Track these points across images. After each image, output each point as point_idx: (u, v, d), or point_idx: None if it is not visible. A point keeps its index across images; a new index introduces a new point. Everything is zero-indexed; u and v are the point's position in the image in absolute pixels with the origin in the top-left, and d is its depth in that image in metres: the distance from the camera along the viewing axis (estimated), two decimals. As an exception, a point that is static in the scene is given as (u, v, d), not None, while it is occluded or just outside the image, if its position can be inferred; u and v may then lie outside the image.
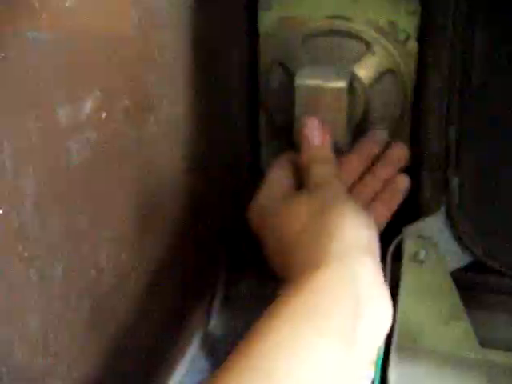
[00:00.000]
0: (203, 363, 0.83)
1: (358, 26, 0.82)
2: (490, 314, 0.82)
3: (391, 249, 0.77)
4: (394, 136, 0.85)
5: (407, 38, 0.81)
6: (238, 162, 0.90)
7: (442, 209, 0.77)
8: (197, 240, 0.79)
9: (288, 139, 0.87)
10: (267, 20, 0.85)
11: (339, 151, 0.81)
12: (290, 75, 0.85)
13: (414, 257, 0.75)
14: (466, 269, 0.80)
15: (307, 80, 0.76)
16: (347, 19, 0.82)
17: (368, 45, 0.82)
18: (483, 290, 0.82)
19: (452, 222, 0.75)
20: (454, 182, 0.74)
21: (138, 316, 0.63)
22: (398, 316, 0.75)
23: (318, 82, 0.76)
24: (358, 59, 0.82)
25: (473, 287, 0.81)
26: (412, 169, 0.86)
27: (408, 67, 0.82)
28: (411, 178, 0.82)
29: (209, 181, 0.81)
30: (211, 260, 0.87)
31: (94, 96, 0.50)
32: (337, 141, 0.77)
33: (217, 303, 0.89)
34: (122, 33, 0.55)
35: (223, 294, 0.90)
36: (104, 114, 0.52)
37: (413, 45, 0.81)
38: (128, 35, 0.56)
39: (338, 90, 0.75)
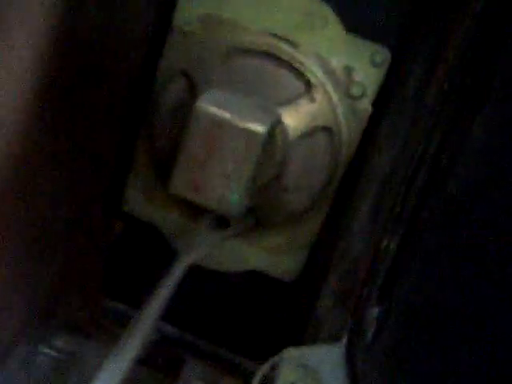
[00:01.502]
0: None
1: (303, 58, 0.59)
2: None
3: (261, 372, 0.54)
4: (308, 211, 0.63)
5: (361, 95, 0.59)
6: (91, 189, 0.65)
7: (344, 341, 0.54)
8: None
9: (167, 174, 0.63)
10: (188, 12, 0.61)
11: (224, 220, 0.59)
12: (193, 93, 0.61)
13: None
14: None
15: (213, 107, 0.53)
16: (293, 44, 0.59)
17: (309, 87, 0.59)
18: None
19: (351, 363, 0.53)
20: (373, 312, 0.52)
21: None
22: None
23: (227, 116, 0.52)
24: (290, 101, 0.59)
25: None
26: (315, 270, 0.65)
27: (351, 132, 0.61)
28: (312, 281, 0.60)
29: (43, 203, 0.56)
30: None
31: None
32: (226, 207, 0.54)
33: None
34: None
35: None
36: None
37: (366, 106, 0.60)
38: None
39: (253, 134, 0.52)
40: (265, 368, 0.54)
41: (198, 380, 0.68)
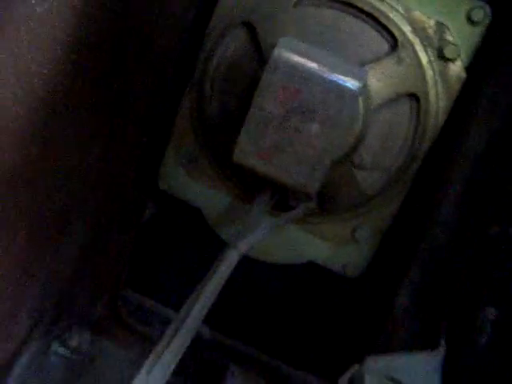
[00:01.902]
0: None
1: (388, 11, 0.50)
2: None
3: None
4: (383, 194, 0.54)
5: (455, 58, 0.50)
6: (121, 164, 0.54)
7: (441, 349, 0.45)
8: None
9: (218, 143, 0.53)
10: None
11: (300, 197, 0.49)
12: (257, 47, 0.51)
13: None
14: None
15: (296, 56, 0.43)
16: (377, -6, 0.50)
17: (395, 45, 0.50)
18: None
19: (455, 375, 0.43)
20: (487, 313, 0.42)
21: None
22: None
23: (314, 66, 0.42)
24: (373, 61, 0.50)
25: None
26: (388, 263, 0.55)
27: (440, 101, 0.51)
28: (384, 276, 0.51)
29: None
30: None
31: None
32: (304, 182, 0.44)
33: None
34: None
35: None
36: None
37: (459, 71, 0.51)
38: None
39: (347, 90, 0.42)
40: (346, 376, 0.44)
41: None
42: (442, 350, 0.44)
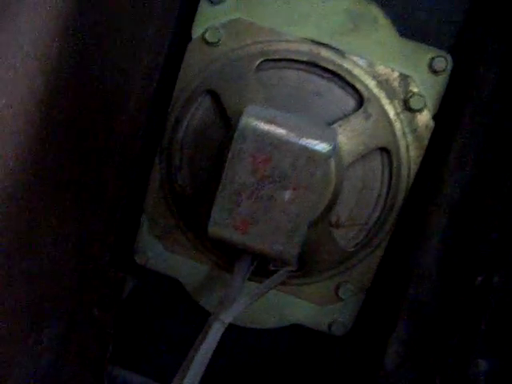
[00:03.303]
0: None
1: (351, 67, 0.50)
2: None
3: None
4: (363, 250, 0.53)
5: (421, 108, 0.50)
6: (97, 243, 0.53)
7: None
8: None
9: (191, 214, 0.52)
10: (211, 19, 0.52)
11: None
12: (222, 114, 0.51)
13: None
14: None
15: (263, 123, 0.42)
16: (338, 52, 0.50)
17: (361, 101, 0.50)
18: None
19: None
20: (479, 366, 0.41)
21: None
22: None
23: (283, 132, 0.42)
24: (341, 119, 0.50)
25: None
26: (375, 319, 0.54)
27: (411, 152, 0.51)
28: (372, 333, 0.50)
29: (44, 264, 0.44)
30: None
31: None
32: (283, 251, 0.44)
33: None
34: None
35: None
36: None
37: (427, 120, 0.51)
38: None
39: (319, 154, 0.42)
40: None
41: None
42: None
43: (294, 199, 0.43)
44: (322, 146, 0.42)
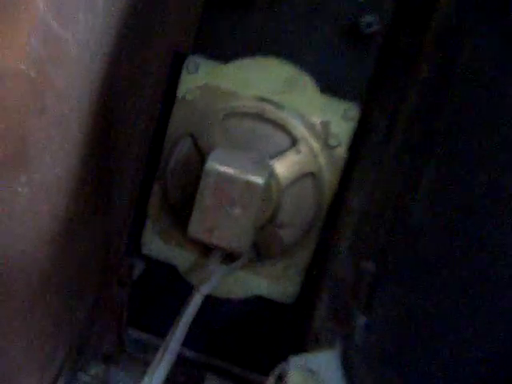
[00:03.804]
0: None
1: (287, 118, 0.72)
2: None
3: (272, 377, 0.66)
4: (300, 242, 0.76)
5: (337, 145, 0.72)
6: (116, 238, 0.76)
7: (339, 347, 0.67)
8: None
9: (180, 219, 0.75)
10: (189, 84, 0.74)
11: (230, 255, 0.71)
12: (198, 151, 0.73)
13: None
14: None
15: (220, 166, 0.65)
16: (278, 106, 0.72)
17: (294, 140, 0.72)
18: None
19: (347, 364, 0.65)
20: (360, 321, 0.64)
21: None
22: None
23: (232, 172, 0.65)
24: (279, 154, 0.72)
25: None
26: (310, 291, 0.77)
27: (331, 176, 0.73)
28: (308, 301, 0.72)
29: (80, 254, 0.67)
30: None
31: None
32: (235, 245, 0.66)
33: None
34: (10, 64, 0.42)
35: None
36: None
37: (341, 153, 0.73)
38: (17, 68, 0.42)
39: (254, 185, 0.64)
40: (275, 373, 0.66)
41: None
42: (338, 347, 0.66)
43: (243, 214, 0.65)
44: (258, 180, 0.64)
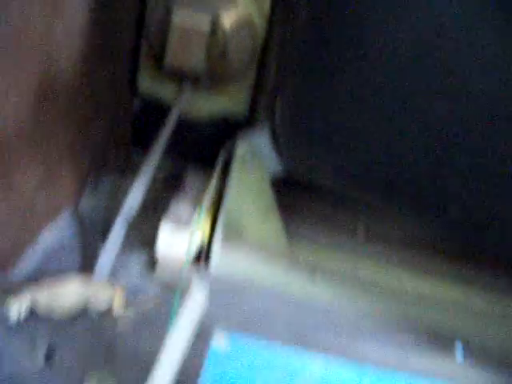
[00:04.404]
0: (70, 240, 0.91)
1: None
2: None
3: (225, 149, 0.99)
4: (242, 74, 1.09)
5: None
6: (120, 82, 1.10)
7: (266, 122, 0.97)
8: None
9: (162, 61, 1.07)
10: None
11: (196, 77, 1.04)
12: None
13: (242, 158, 0.89)
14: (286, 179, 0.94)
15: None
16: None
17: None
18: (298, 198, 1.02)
19: (274, 133, 0.90)
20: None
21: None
22: (223, 210, 0.87)
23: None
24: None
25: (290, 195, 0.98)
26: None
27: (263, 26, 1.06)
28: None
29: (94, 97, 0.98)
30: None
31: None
32: (195, 67, 1.00)
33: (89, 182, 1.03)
34: None
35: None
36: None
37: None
38: None
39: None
40: (226, 147, 0.99)
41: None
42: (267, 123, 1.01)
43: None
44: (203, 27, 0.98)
